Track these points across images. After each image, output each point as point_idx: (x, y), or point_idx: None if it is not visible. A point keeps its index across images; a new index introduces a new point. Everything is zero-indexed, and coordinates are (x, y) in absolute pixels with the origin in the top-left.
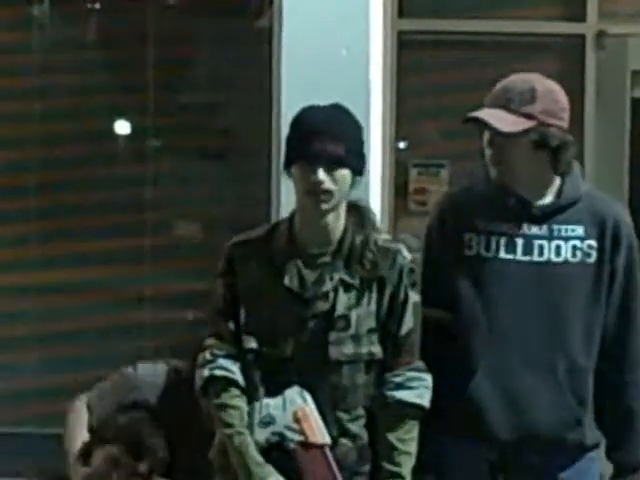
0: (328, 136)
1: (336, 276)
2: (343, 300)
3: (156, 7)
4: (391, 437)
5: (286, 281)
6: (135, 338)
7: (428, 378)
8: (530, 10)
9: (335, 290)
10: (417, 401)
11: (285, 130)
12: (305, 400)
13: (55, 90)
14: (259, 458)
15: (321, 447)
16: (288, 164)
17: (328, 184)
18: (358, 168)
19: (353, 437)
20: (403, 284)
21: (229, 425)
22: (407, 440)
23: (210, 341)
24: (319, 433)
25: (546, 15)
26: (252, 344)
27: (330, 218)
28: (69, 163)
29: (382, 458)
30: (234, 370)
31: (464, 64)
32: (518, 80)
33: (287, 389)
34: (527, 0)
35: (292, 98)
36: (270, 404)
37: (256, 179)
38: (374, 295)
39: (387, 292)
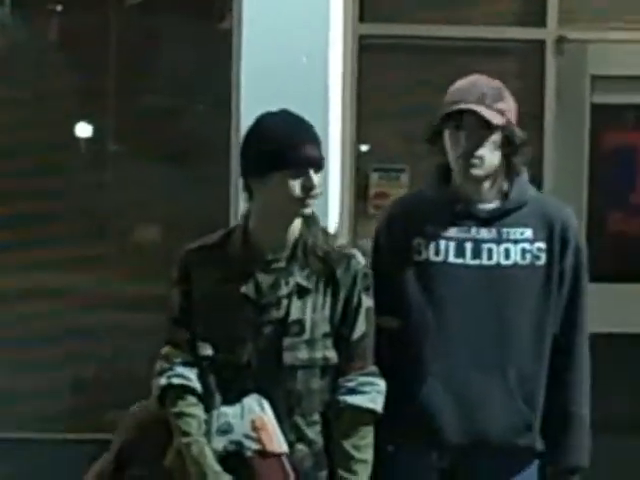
0: (310, 140)
1: (291, 281)
2: (297, 305)
3: (117, 9)
4: (346, 444)
5: (242, 288)
6: (94, 341)
7: (381, 383)
8: (490, 15)
9: (290, 295)
10: (370, 406)
11: (244, 132)
12: (263, 408)
13: (14, 95)
14: (217, 467)
15: (278, 456)
16: (261, 173)
17: (319, 188)
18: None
19: (309, 443)
20: (357, 289)
21: (186, 434)
22: (362, 447)
23: (166, 349)
24: (277, 442)
25: (506, 20)
26: (208, 351)
27: (296, 222)
28: (28, 170)
29: (338, 466)
30: (191, 377)
31: (425, 68)
32: (482, 79)
33: (245, 397)
34: (487, 5)
35: (251, 103)
36: (228, 412)
37: (216, 183)
38: (328, 299)
39: (341, 297)
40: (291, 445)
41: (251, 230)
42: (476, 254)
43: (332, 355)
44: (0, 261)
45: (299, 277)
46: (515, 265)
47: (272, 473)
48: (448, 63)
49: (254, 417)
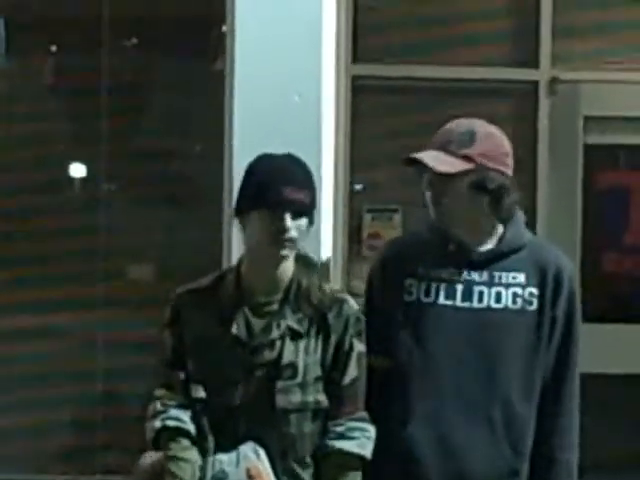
0: (294, 183)
1: (283, 324)
2: (290, 348)
3: (112, 51)
4: None
5: (233, 329)
6: (88, 383)
7: (371, 429)
8: (484, 56)
9: (282, 338)
10: (357, 451)
11: (237, 176)
12: (259, 456)
13: (8, 137)
14: None
15: None
16: (244, 211)
17: (293, 232)
18: (313, 218)
19: None
20: (348, 333)
21: (179, 479)
22: None
23: (160, 392)
24: None
25: (499, 61)
26: (200, 393)
27: (283, 266)
28: (23, 212)
29: None
30: (186, 420)
31: (418, 109)
32: (460, 123)
33: (241, 445)
34: (481, 46)
35: (244, 144)
36: (223, 460)
37: (209, 225)
38: (320, 343)
39: (332, 341)
40: None
41: (243, 273)
42: (466, 296)
43: (324, 399)
44: None
45: (291, 320)
46: (506, 309)
47: None
48: (441, 104)
49: (249, 465)
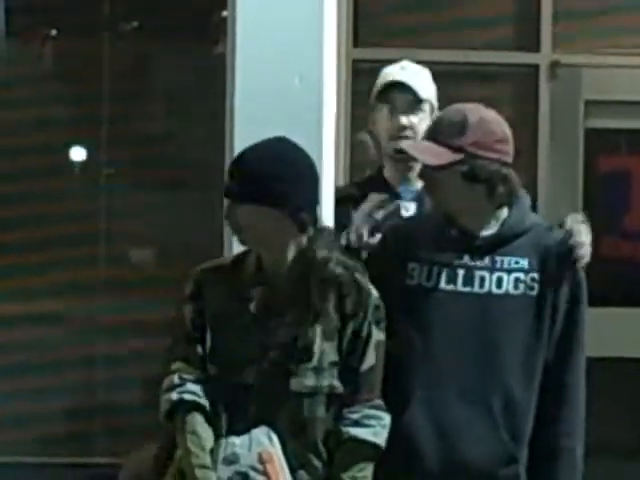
0: (241, 173)
1: (302, 306)
2: (307, 331)
3: (112, 35)
4: (344, 475)
5: (251, 308)
6: (90, 368)
7: (386, 417)
8: (485, 40)
9: (299, 321)
10: (371, 439)
11: None
12: (272, 441)
13: (8, 121)
14: None
15: None
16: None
17: (234, 220)
18: (263, 199)
19: (312, 470)
20: (367, 321)
21: (194, 455)
22: (359, 478)
23: (178, 364)
24: (283, 476)
25: (500, 45)
26: (214, 371)
27: (264, 253)
28: (23, 197)
29: None
30: (202, 395)
31: None
32: (452, 111)
33: (254, 429)
34: (482, 30)
35: (245, 128)
36: (236, 442)
37: (210, 207)
38: (337, 329)
39: (350, 327)
40: (293, 471)
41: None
42: (468, 281)
43: (338, 385)
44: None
45: (309, 303)
46: (507, 294)
47: None
48: (441, 88)
49: (262, 450)
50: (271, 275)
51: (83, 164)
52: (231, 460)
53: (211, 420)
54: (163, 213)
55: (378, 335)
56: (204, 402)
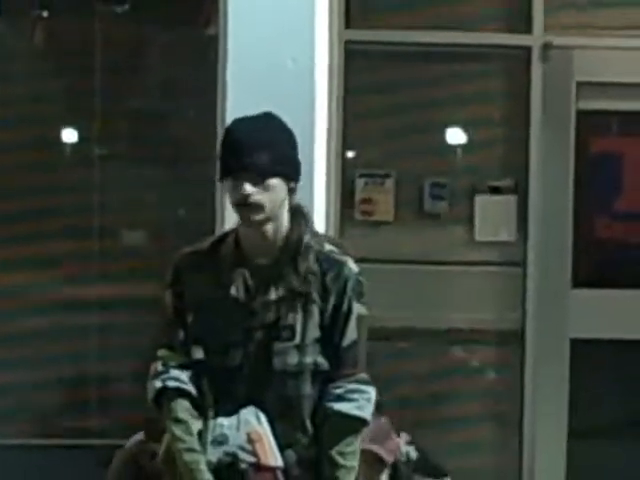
0: (251, 148)
1: (282, 285)
2: (288, 310)
3: (104, 14)
4: (332, 451)
5: (232, 291)
6: (81, 340)
7: (370, 390)
8: (477, 21)
9: (281, 299)
10: (356, 413)
11: None
12: (260, 421)
13: (2, 98)
14: (208, 475)
15: (273, 470)
16: (221, 179)
17: (256, 196)
18: (290, 174)
19: (300, 448)
20: (347, 295)
21: (181, 440)
22: (347, 454)
23: (162, 352)
24: (272, 456)
25: (492, 26)
26: (199, 355)
27: (268, 228)
28: (15, 170)
29: (323, 472)
30: (186, 380)
31: (411, 75)
32: None
33: (242, 409)
34: (474, 12)
35: (237, 107)
36: (224, 424)
37: (202, 186)
38: (318, 305)
39: (330, 302)
40: (281, 450)
41: (241, 235)
42: None
43: (322, 361)
44: None
45: (290, 281)
46: None
47: None
48: (434, 69)
49: (250, 430)
50: (250, 256)
51: (75, 140)
52: (220, 441)
53: (198, 404)
54: (154, 189)
55: (359, 309)
56: (189, 388)
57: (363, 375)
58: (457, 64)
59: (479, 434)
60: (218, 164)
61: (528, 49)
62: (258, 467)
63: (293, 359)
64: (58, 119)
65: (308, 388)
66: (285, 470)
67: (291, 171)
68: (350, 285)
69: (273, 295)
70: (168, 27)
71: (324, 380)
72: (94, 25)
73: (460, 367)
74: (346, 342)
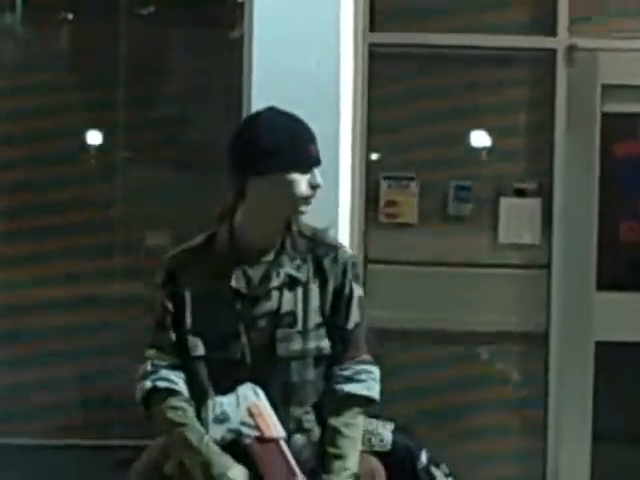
0: (313, 139)
1: (282, 272)
2: (288, 297)
3: (128, 18)
4: (336, 422)
5: (233, 282)
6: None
7: (375, 370)
8: (501, 24)
9: (281, 287)
10: (366, 393)
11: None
12: (258, 396)
13: (24, 104)
14: (216, 448)
15: (277, 441)
16: (266, 171)
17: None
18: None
19: (307, 432)
20: (347, 278)
21: (181, 424)
22: (352, 425)
23: (151, 352)
24: (274, 427)
25: (517, 29)
26: (200, 351)
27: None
28: (41, 184)
29: (326, 443)
30: (176, 381)
31: (435, 77)
32: None
33: (239, 386)
34: (498, 14)
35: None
36: (223, 402)
37: (226, 191)
38: (317, 290)
39: (330, 287)
40: (289, 435)
41: (238, 226)
42: None
43: (325, 345)
44: (14, 274)
45: (289, 268)
46: None
47: (272, 457)
48: (458, 72)
49: (250, 404)
50: (247, 248)
51: (99, 147)
52: (221, 419)
53: (189, 403)
54: (179, 195)
55: (359, 291)
56: (179, 388)
57: (367, 356)
58: (482, 67)
59: (502, 438)
60: (241, 156)
61: (553, 52)
62: (262, 440)
63: (297, 345)
64: (82, 124)
65: (311, 373)
66: (295, 454)
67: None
68: (349, 268)
69: (274, 283)
70: (193, 30)
71: (325, 364)
72: (118, 31)
73: (483, 370)
74: (351, 325)
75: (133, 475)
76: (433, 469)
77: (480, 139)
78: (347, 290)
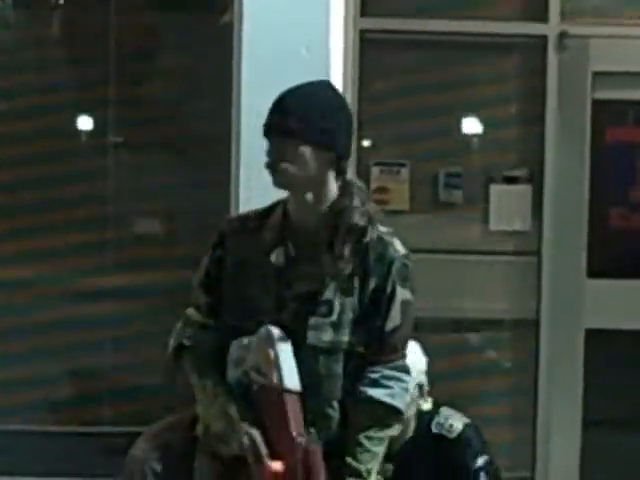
0: (280, 109)
1: (325, 259)
2: (328, 285)
3: (119, 2)
4: (360, 434)
5: (272, 258)
6: (94, 330)
7: (408, 380)
8: (493, 10)
9: (318, 274)
10: (387, 400)
11: (245, 127)
12: (274, 343)
13: (16, 87)
14: (235, 412)
15: (281, 392)
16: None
17: (275, 155)
18: (320, 143)
19: (325, 426)
20: (391, 278)
21: (207, 376)
22: (374, 438)
23: (189, 311)
24: (283, 378)
25: (509, 16)
26: (230, 319)
27: (307, 198)
28: (31, 160)
29: (347, 453)
30: (205, 340)
31: (426, 63)
32: None
33: (261, 328)
34: (490, 0)
35: (252, 95)
36: (244, 343)
37: (216, 174)
38: (357, 285)
39: (371, 284)
40: (307, 426)
41: (289, 205)
42: None
43: (357, 342)
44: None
45: (328, 258)
46: None
47: (272, 408)
48: (449, 58)
49: (268, 350)
50: (296, 227)
51: (89, 130)
52: (238, 362)
53: (216, 364)
54: (168, 178)
55: (404, 294)
56: (205, 347)
57: (402, 362)
58: (472, 53)
59: (492, 425)
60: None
61: (544, 38)
62: (267, 389)
63: (327, 336)
64: (72, 107)
65: (339, 368)
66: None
67: (319, 139)
68: (395, 268)
69: (314, 268)
70: (183, 14)
71: (358, 362)
72: (109, 14)
73: (473, 357)
74: (389, 327)
75: (142, 439)
76: (482, 474)
77: (471, 126)
78: (389, 290)
